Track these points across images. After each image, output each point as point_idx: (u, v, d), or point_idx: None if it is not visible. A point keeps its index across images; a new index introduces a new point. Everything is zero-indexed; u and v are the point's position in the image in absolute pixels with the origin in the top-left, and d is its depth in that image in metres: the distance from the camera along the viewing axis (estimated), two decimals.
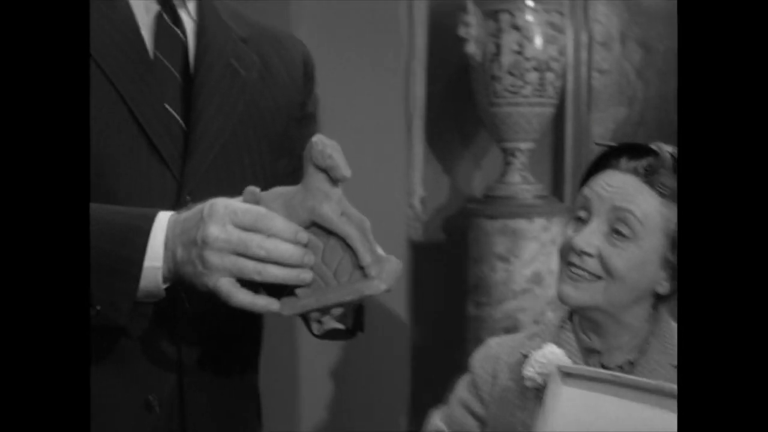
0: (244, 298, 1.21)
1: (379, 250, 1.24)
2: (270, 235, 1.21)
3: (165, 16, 1.41)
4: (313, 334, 1.36)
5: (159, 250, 1.24)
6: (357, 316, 1.38)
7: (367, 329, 1.38)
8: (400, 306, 2.91)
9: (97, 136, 1.29)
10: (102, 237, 1.23)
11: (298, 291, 1.24)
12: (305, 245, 1.22)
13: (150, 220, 1.25)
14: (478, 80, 2.97)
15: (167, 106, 1.34)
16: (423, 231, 3.06)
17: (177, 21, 1.42)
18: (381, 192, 2.66)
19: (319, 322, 1.32)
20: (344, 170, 1.20)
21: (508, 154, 3.00)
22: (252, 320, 1.46)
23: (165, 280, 1.24)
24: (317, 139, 1.21)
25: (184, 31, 1.42)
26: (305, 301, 1.23)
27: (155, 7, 1.41)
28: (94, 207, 1.24)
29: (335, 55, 2.34)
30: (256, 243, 1.20)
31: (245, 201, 1.23)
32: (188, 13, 1.43)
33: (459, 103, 3.12)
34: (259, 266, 1.20)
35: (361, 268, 1.22)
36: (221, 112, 1.38)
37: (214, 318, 1.36)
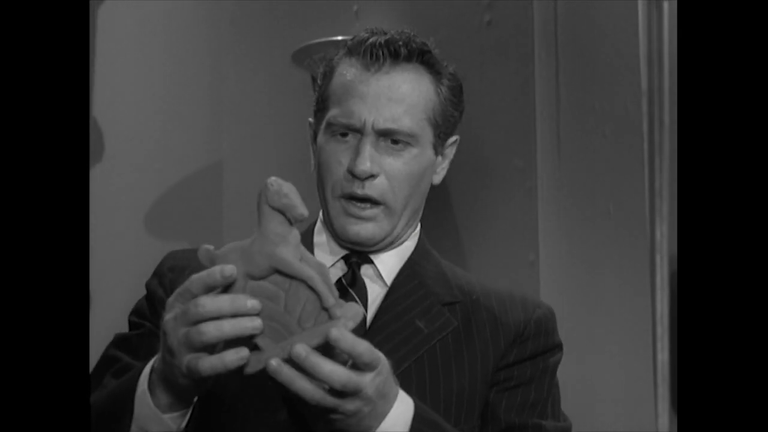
0: (209, 362, 1.17)
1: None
2: (209, 289, 1.18)
3: (344, 280, 1.50)
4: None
5: (145, 380, 1.26)
6: None
7: None
8: None
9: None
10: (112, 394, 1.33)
11: (261, 344, 1.19)
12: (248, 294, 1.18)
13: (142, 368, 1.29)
14: None
15: None
16: None
17: (354, 283, 1.50)
18: None
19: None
20: (301, 209, 1.18)
21: None
22: None
23: (162, 406, 1.25)
24: (272, 179, 1.19)
25: (363, 294, 1.49)
26: (271, 352, 1.18)
27: (338, 273, 1.51)
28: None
29: (584, 317, 2.40)
30: (193, 303, 1.17)
31: (202, 263, 1.21)
32: (379, 277, 1.52)
33: None
34: (202, 326, 1.16)
35: (326, 309, 1.18)
36: (390, 359, 1.32)
37: None
